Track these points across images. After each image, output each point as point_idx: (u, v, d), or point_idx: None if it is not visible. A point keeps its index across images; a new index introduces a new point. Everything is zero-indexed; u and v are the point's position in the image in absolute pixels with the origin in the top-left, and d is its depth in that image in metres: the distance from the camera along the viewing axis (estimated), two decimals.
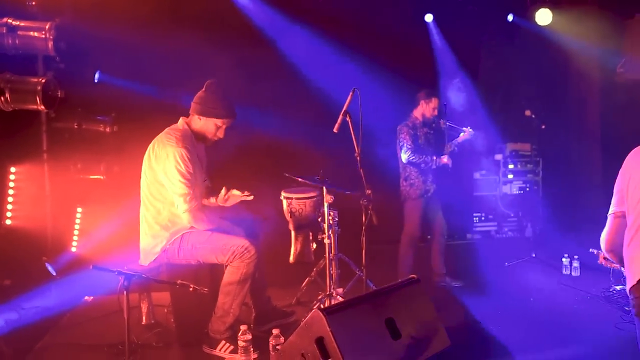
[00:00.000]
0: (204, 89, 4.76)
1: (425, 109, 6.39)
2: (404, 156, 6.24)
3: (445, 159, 6.42)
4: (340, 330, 3.66)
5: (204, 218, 4.67)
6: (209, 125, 4.75)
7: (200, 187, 4.75)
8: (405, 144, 6.22)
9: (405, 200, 6.43)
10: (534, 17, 8.36)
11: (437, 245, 6.61)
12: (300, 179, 5.01)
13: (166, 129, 4.73)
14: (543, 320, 5.47)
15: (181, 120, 4.80)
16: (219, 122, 4.74)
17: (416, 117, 6.41)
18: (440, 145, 6.61)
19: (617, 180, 2.90)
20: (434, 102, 6.39)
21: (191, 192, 4.53)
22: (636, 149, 2.89)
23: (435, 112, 6.41)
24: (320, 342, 3.70)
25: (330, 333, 3.62)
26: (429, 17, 8.55)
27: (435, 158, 6.36)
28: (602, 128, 8.45)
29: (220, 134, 4.81)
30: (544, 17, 8.37)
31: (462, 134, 6.65)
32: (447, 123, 6.51)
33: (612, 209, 2.92)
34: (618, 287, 6.10)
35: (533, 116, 7.76)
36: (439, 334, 4.20)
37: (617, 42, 8.35)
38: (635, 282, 2.77)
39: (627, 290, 2.89)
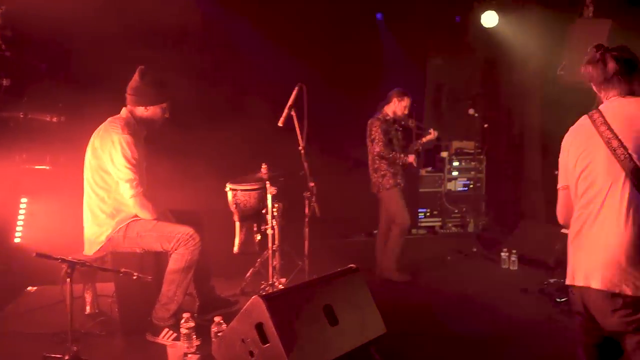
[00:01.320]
0: (137, 78, 4.80)
1: (397, 107, 6.55)
2: (376, 149, 6.39)
3: (411, 158, 6.57)
4: (279, 316, 3.75)
5: (150, 205, 4.73)
6: (156, 112, 4.86)
7: (145, 174, 4.81)
8: (377, 137, 6.37)
9: (379, 191, 6.58)
10: (480, 19, 8.61)
11: (387, 237, 6.74)
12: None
13: (109, 119, 4.79)
14: (478, 311, 5.68)
15: (124, 110, 4.85)
16: (164, 105, 4.87)
17: (387, 114, 6.56)
18: (406, 144, 6.78)
19: (560, 156, 2.95)
20: (406, 101, 6.57)
21: (137, 178, 4.61)
22: (570, 130, 2.92)
23: (406, 111, 6.59)
24: (259, 327, 3.78)
25: (269, 318, 3.71)
26: (378, 16, 8.72)
27: (402, 156, 6.51)
28: (543, 128, 8.74)
29: (167, 114, 4.93)
30: (490, 19, 8.63)
31: (427, 135, 6.85)
32: (415, 123, 6.68)
33: (559, 184, 2.98)
34: (552, 280, 6.37)
35: (476, 115, 8.01)
36: (375, 321, 4.33)
37: (559, 45, 8.66)
38: (570, 282, 2.82)
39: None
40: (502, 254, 7.23)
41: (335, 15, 7.82)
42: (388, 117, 6.53)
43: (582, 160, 2.75)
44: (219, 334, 4.27)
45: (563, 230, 6.63)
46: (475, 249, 7.88)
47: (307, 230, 4.94)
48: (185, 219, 4.94)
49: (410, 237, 8.78)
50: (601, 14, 8.77)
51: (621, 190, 2.61)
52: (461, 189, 9.17)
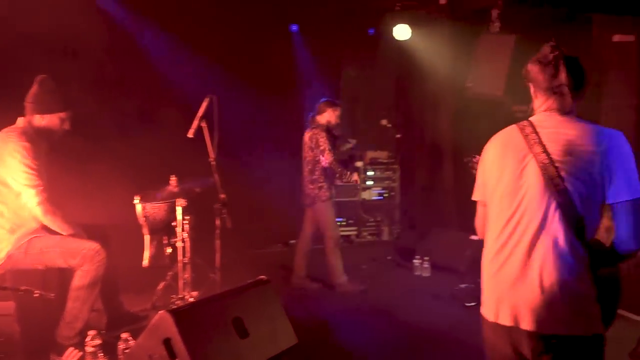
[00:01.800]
0: (36, 87, 4.67)
1: (331, 116, 6.57)
2: (328, 159, 6.36)
3: (355, 176, 6.63)
4: (187, 330, 3.69)
5: (57, 211, 4.58)
6: (53, 121, 4.71)
7: (47, 182, 4.65)
8: (326, 147, 6.36)
9: (314, 203, 6.55)
10: (393, 32, 8.81)
11: (308, 248, 6.77)
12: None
13: (4, 129, 4.62)
14: (391, 318, 5.78)
15: (21, 119, 4.68)
16: (62, 114, 4.73)
17: (322, 124, 6.56)
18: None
19: (479, 167, 2.69)
20: (339, 110, 6.62)
21: (41, 184, 4.48)
22: (498, 134, 2.66)
23: (339, 120, 6.61)
24: (167, 342, 3.71)
25: (177, 333, 3.65)
26: (293, 27, 8.78)
27: (348, 173, 6.56)
28: (453, 137, 9.00)
29: (67, 126, 4.79)
30: (402, 32, 8.84)
31: (347, 145, 6.92)
32: (338, 133, 6.73)
33: (476, 196, 2.73)
34: (462, 285, 6.56)
35: (389, 125, 8.17)
36: (286, 332, 4.34)
37: (467, 58, 8.97)
38: (493, 319, 2.50)
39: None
40: (415, 261, 7.39)
41: (249, 26, 7.82)
42: (324, 127, 6.55)
43: (509, 180, 2.48)
44: (125, 351, 4.16)
45: (472, 237, 6.85)
46: (389, 257, 8.02)
47: (218, 242, 4.89)
48: (91, 234, 4.79)
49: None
50: (507, 29, 9.17)
51: (555, 224, 2.33)
52: (376, 197, 9.33)
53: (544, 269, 2.33)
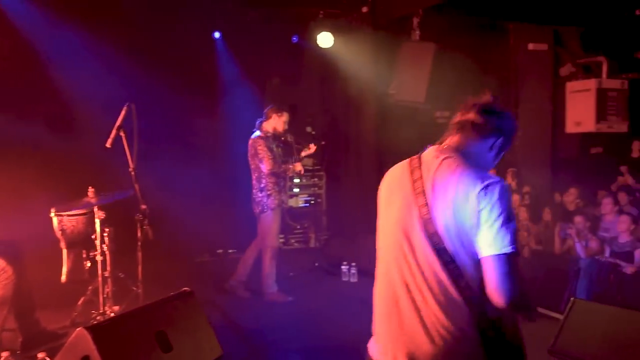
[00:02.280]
0: None
1: (277, 123, 6.50)
2: (267, 167, 6.29)
3: (298, 165, 6.58)
4: (107, 347, 3.57)
5: None
6: None
7: None
8: (265, 155, 6.29)
9: (263, 212, 6.47)
10: (316, 40, 8.86)
11: (255, 255, 6.73)
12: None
13: None
14: (320, 324, 5.77)
15: None
16: None
17: (267, 131, 6.48)
18: (286, 160, 6.73)
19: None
20: (285, 116, 6.54)
21: None
22: (395, 166, 2.55)
23: (286, 126, 6.54)
24: None
25: (96, 351, 3.53)
26: (216, 34, 8.70)
27: (290, 166, 6.53)
28: (377, 144, 9.12)
29: None
30: (325, 39, 8.90)
31: (307, 149, 6.86)
32: (293, 138, 6.68)
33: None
34: None
35: (313, 133, 8.20)
36: (211, 344, 4.27)
37: (390, 66, 9.12)
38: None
39: None
40: (343, 267, 7.43)
41: (170, 32, 7.66)
42: (269, 134, 6.49)
43: (393, 225, 2.38)
44: None
45: None
46: (317, 264, 8.03)
47: (139, 254, 4.76)
48: (1, 250, 4.58)
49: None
50: (428, 37, 9.39)
51: (437, 278, 2.21)
52: (303, 205, 9.33)
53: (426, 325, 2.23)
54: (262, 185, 6.45)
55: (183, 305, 4.26)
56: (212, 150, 8.10)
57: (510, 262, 2.12)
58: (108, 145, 4.72)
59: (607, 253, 6.65)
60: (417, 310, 2.25)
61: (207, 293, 6.48)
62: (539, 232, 7.92)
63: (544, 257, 7.51)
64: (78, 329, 3.62)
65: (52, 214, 5.17)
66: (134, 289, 5.63)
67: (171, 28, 7.66)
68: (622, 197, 7.81)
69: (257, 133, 6.48)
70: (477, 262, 2.18)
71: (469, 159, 2.30)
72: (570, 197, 8.51)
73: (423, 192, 2.26)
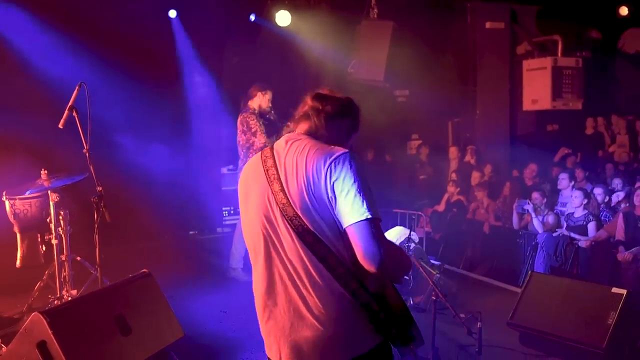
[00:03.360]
0: None
1: (262, 101, 6.52)
2: (261, 140, 6.30)
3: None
4: (63, 331, 3.51)
5: None
6: None
7: None
8: (259, 129, 6.33)
9: None
10: (274, 18, 8.76)
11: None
12: None
13: None
14: None
15: None
16: None
17: (253, 108, 6.50)
18: (270, 136, 6.68)
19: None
20: (269, 94, 6.57)
21: None
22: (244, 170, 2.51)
23: (270, 104, 6.53)
24: (42, 346, 3.51)
25: (52, 335, 3.46)
26: (172, 13, 8.54)
27: (275, 138, 6.46)
28: None
29: None
30: (283, 18, 8.82)
31: (286, 127, 6.78)
32: (276, 116, 6.64)
33: None
34: None
35: (273, 112, 8.11)
36: (172, 326, 4.23)
37: (348, 45, 9.08)
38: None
39: None
40: None
41: (125, 11, 7.46)
42: (256, 111, 6.51)
43: (253, 215, 2.33)
44: None
45: None
46: None
47: (97, 237, 4.65)
48: None
49: (215, 236, 8.78)
50: (386, 15, 9.38)
51: (298, 251, 2.20)
52: None
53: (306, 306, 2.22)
54: (248, 159, 6.46)
55: (142, 287, 4.21)
56: (169, 131, 7.96)
57: (371, 227, 2.12)
58: (60, 126, 4.57)
59: (563, 228, 6.79)
60: (294, 298, 2.22)
61: (167, 275, 6.39)
62: (497, 209, 8.04)
63: (503, 232, 7.64)
64: (33, 313, 3.54)
65: (4, 198, 5.02)
66: (92, 272, 5.53)
67: (125, 6, 7.47)
68: (579, 173, 7.98)
69: (247, 110, 6.54)
70: (343, 236, 2.18)
71: (319, 140, 2.33)
72: (529, 173, 8.66)
73: (277, 178, 2.26)
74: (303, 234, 2.17)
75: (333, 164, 2.16)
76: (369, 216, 2.11)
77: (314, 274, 2.18)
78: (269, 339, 2.34)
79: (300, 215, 2.17)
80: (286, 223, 2.21)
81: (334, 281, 2.17)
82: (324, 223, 2.17)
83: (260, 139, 6.38)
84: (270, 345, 2.34)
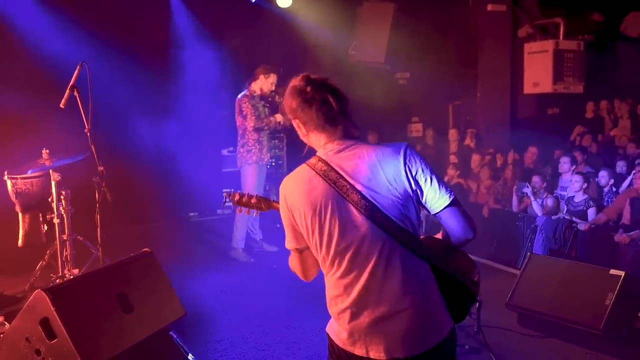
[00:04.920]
0: None
1: (264, 84, 6.55)
2: (250, 123, 6.38)
3: (278, 116, 6.54)
4: (66, 308, 3.53)
5: None
6: None
7: None
8: (249, 112, 6.39)
9: (242, 166, 6.60)
10: (275, 0, 8.73)
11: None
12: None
13: None
14: (281, 287, 5.79)
15: None
16: None
17: (254, 90, 6.54)
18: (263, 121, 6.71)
19: (282, 214, 2.40)
20: (272, 77, 6.57)
21: None
22: (293, 179, 2.41)
23: (273, 87, 6.57)
24: (45, 323, 3.54)
25: (54, 312, 3.48)
26: None
27: (271, 119, 6.55)
28: None
29: None
30: (284, 0, 8.78)
31: None
32: (281, 99, 6.61)
33: (290, 244, 2.43)
34: None
35: (274, 94, 8.10)
36: (173, 305, 4.25)
37: (349, 26, 9.05)
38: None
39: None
40: None
41: None
42: (255, 94, 6.56)
43: (323, 221, 2.27)
44: (1, 335, 3.93)
45: None
46: (278, 225, 8.02)
47: (98, 216, 4.68)
48: None
49: (216, 217, 8.80)
50: None
51: (390, 253, 2.22)
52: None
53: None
54: (245, 140, 6.58)
55: (144, 266, 4.23)
56: (170, 112, 7.96)
57: (459, 205, 2.30)
58: (62, 105, 4.59)
59: (564, 211, 6.82)
60: (389, 292, 2.23)
61: (168, 255, 6.43)
62: (497, 191, 8.05)
63: (503, 215, 7.66)
64: (36, 290, 3.56)
65: (5, 177, 5.04)
66: (94, 251, 5.56)
67: None
68: (578, 156, 7.98)
69: (244, 92, 6.57)
70: (420, 224, 2.33)
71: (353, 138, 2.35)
72: (530, 156, 8.67)
73: (352, 188, 2.23)
74: (395, 232, 2.23)
75: (406, 158, 2.26)
76: (453, 196, 2.29)
77: (408, 268, 2.24)
78: (357, 335, 2.29)
79: (390, 216, 2.22)
80: (377, 229, 2.23)
81: (425, 271, 2.29)
82: (411, 217, 2.27)
83: (249, 123, 6.45)
84: (356, 341, 2.30)
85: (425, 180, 2.25)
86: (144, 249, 4.30)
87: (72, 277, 4.91)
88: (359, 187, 2.22)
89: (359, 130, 2.40)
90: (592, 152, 8.91)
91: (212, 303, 5.33)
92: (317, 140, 2.38)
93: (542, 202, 7.04)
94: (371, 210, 2.21)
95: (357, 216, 2.23)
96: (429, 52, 9.20)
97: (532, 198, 7.04)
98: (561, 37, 10.19)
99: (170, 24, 8.36)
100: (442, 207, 2.27)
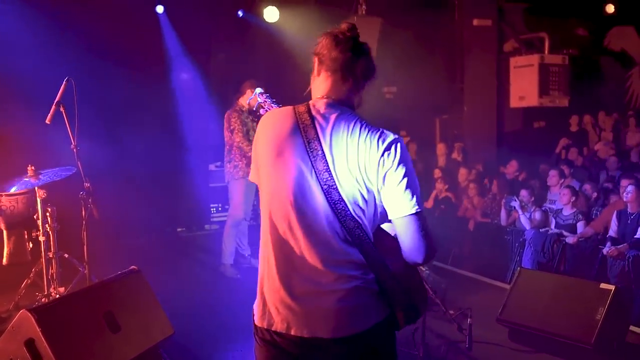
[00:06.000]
0: None
1: (252, 99, 6.41)
2: (237, 139, 6.36)
3: None
4: (52, 329, 3.48)
5: None
6: None
7: None
8: (237, 127, 6.36)
9: (229, 182, 6.55)
10: (262, 14, 8.73)
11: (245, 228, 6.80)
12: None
13: None
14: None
15: None
16: None
17: (242, 105, 6.49)
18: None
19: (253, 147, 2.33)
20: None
21: None
22: (273, 118, 2.29)
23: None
24: (30, 344, 3.47)
25: (40, 333, 3.42)
26: (159, 9, 8.48)
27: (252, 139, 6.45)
28: None
29: None
30: (271, 14, 8.81)
31: None
32: None
33: (253, 177, 2.36)
34: None
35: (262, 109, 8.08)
36: (161, 323, 4.20)
37: None
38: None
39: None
40: None
41: (112, 6, 7.40)
42: (244, 109, 6.50)
43: (275, 164, 2.17)
44: None
45: None
46: None
47: (85, 233, 4.62)
48: None
49: (204, 233, 8.74)
50: (373, 12, 9.37)
51: (329, 233, 2.11)
52: None
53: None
54: (232, 156, 6.54)
55: (131, 284, 4.18)
56: (157, 127, 7.90)
57: (421, 220, 2.08)
58: (47, 121, 4.54)
59: (552, 224, 6.83)
60: (312, 274, 2.13)
61: (156, 272, 6.34)
62: (485, 205, 8.06)
63: (491, 228, 7.66)
64: (21, 311, 3.50)
65: None
66: (80, 269, 5.47)
67: (112, 1, 7.41)
68: (565, 170, 8.02)
69: (233, 107, 6.54)
70: (375, 220, 2.16)
71: (350, 106, 2.22)
72: (511, 169, 8.71)
73: (322, 155, 2.10)
74: (345, 219, 2.09)
75: (386, 153, 2.08)
76: (419, 209, 2.08)
77: (343, 256, 2.12)
78: (275, 310, 2.21)
79: (345, 201, 2.09)
80: (328, 206, 2.10)
81: (362, 265, 2.14)
82: (366, 209, 2.12)
83: (236, 138, 6.40)
84: (274, 317, 2.22)
85: (394, 181, 2.06)
86: (131, 267, 4.24)
87: (58, 295, 4.83)
88: (328, 157, 2.10)
89: (359, 107, 2.27)
90: (577, 165, 8.97)
91: (199, 320, 5.25)
92: (319, 86, 2.25)
93: (530, 215, 7.06)
94: (330, 187, 2.09)
95: (311, 184, 2.12)
96: (416, 66, 9.23)
97: (520, 212, 7.05)
98: (546, 52, 10.29)
99: (157, 39, 8.33)
100: (398, 215, 2.08)
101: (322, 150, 2.11)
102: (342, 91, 2.21)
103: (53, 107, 4.52)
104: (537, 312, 4.83)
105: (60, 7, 6.93)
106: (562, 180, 7.45)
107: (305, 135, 2.13)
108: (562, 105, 10.33)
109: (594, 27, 11.74)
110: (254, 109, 6.55)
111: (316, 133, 2.13)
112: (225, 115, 6.53)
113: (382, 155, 2.07)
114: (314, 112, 2.17)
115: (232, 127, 6.41)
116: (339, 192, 2.09)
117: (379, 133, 2.11)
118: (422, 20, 9.75)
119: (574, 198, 6.76)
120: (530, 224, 6.93)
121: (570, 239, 6.45)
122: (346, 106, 2.20)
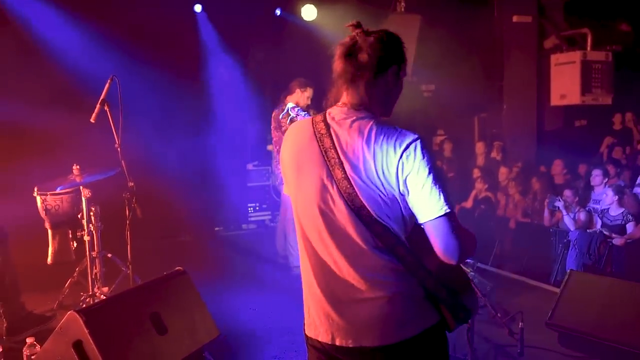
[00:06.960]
0: None
1: (300, 97, 6.39)
2: None
3: None
4: (99, 330, 3.45)
5: None
6: None
7: None
8: (287, 127, 6.18)
9: (281, 184, 6.43)
10: (300, 13, 8.68)
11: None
12: None
13: None
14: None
15: None
16: None
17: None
18: None
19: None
20: (309, 92, 6.44)
21: None
22: (295, 132, 2.32)
23: (309, 102, 6.43)
24: (78, 345, 3.45)
25: (88, 335, 3.40)
26: (198, 8, 8.49)
27: None
28: None
29: None
30: (309, 12, 8.75)
31: None
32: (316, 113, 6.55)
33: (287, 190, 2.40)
34: None
35: (313, 113, 8.05)
36: (207, 325, 4.16)
37: None
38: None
39: None
40: None
41: (152, 6, 7.41)
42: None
43: (299, 177, 2.19)
44: (32, 357, 3.84)
45: None
46: None
47: (128, 233, 4.61)
48: None
49: (241, 232, 8.72)
50: (413, 9, 9.26)
51: (359, 241, 2.08)
52: None
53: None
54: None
55: (177, 285, 4.14)
56: (196, 127, 7.92)
57: (451, 221, 2.01)
58: (92, 120, 4.54)
59: (597, 225, 6.65)
60: (351, 282, 2.10)
61: (200, 272, 6.32)
62: (526, 205, 7.90)
63: (534, 229, 7.50)
64: (69, 312, 3.48)
65: (35, 194, 4.98)
66: (124, 269, 5.47)
67: (152, 1, 7.43)
68: (611, 170, 7.82)
69: (280, 107, 6.41)
70: (405, 223, 2.09)
71: (370, 110, 2.14)
72: (557, 169, 8.51)
73: (339, 163, 2.06)
74: (371, 225, 2.05)
75: (405, 155, 2.00)
76: (447, 210, 1.99)
77: (377, 262, 2.08)
78: (319, 320, 2.20)
79: (368, 207, 2.03)
80: (352, 214, 2.07)
81: (399, 271, 2.10)
82: (391, 213, 2.05)
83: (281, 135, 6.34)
84: (318, 327, 2.21)
85: (417, 184, 1.99)
86: (177, 268, 4.21)
87: (102, 295, 4.83)
88: (345, 165, 2.05)
89: (392, 101, 2.22)
90: (622, 164, 8.74)
91: (242, 322, 5.20)
92: (335, 94, 2.22)
93: (575, 216, 6.88)
94: (351, 194, 2.04)
95: (333, 194, 2.09)
96: (455, 64, 9.08)
97: (564, 212, 6.88)
98: (589, 48, 10.04)
99: (196, 38, 8.34)
100: (426, 219, 2.01)
101: (339, 158, 2.08)
102: (356, 95, 2.16)
103: (98, 105, 4.52)
104: (589, 316, 4.68)
105: (102, 7, 6.96)
106: (606, 179, 7.26)
107: (322, 144, 2.12)
108: (605, 103, 10.07)
109: (637, 23, 11.42)
110: (288, 123, 6.53)
111: (332, 141, 2.10)
112: (273, 115, 6.42)
113: (400, 158, 2.00)
114: (329, 120, 2.15)
115: (283, 128, 6.29)
116: (360, 199, 2.04)
117: (395, 135, 2.04)
118: (461, 16, 9.59)
119: (617, 197, 6.57)
120: (574, 225, 6.76)
121: (617, 240, 6.27)
122: (363, 110, 2.14)
